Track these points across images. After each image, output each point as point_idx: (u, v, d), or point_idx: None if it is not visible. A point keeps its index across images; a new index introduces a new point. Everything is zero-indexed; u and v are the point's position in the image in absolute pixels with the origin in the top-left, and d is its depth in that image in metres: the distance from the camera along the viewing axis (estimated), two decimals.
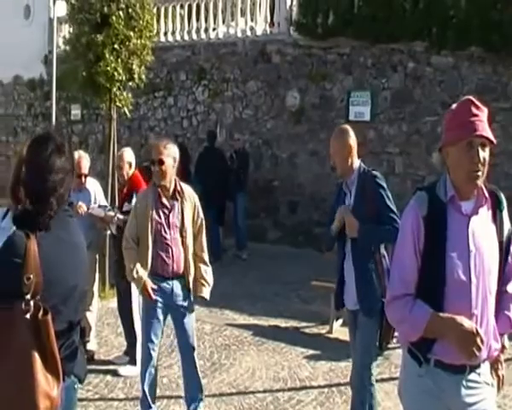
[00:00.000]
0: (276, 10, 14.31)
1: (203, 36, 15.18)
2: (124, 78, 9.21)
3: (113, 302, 7.87)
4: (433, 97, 12.04)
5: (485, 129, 2.89)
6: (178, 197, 5.23)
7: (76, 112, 17.64)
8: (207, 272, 5.36)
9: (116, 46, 9.05)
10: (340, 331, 7.63)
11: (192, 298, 5.30)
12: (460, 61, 11.78)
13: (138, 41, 9.28)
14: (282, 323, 8.34)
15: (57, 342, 2.60)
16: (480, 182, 2.92)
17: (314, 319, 8.36)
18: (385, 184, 4.60)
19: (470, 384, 2.94)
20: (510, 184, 9.97)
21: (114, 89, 9.24)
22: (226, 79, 14.72)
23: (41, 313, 2.55)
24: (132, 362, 6.54)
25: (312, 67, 13.52)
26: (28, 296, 2.55)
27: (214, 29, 15.10)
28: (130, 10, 9.18)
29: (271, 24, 14.47)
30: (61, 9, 14.24)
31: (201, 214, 5.38)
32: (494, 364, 3.11)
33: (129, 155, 6.90)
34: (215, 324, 8.13)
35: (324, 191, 11.87)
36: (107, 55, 8.96)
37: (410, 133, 12.30)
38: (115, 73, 9.04)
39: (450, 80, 11.85)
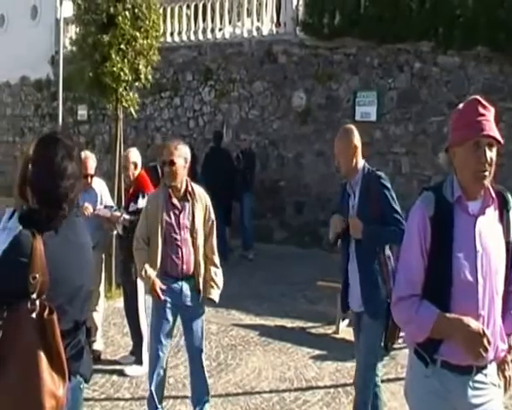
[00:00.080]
0: (283, 10, 14.31)
1: (209, 36, 15.19)
2: (130, 78, 9.22)
3: (119, 302, 7.88)
4: (439, 97, 12.02)
5: (492, 129, 2.88)
6: (189, 198, 5.21)
7: (82, 112, 17.69)
8: (217, 274, 5.33)
9: (122, 46, 9.06)
10: (346, 332, 7.61)
11: (201, 300, 5.30)
12: (466, 61, 11.76)
13: (144, 41, 9.28)
14: (289, 323, 8.34)
15: (63, 341, 2.60)
16: (487, 182, 2.91)
17: (320, 320, 8.35)
18: (389, 185, 4.55)
19: (477, 385, 2.93)
20: None
21: (120, 89, 9.24)
22: (232, 79, 14.73)
23: (47, 312, 2.55)
24: (138, 362, 6.55)
25: (318, 68, 13.51)
26: (34, 296, 2.56)
27: (220, 29, 15.11)
28: (136, 10, 9.18)
29: (277, 24, 14.47)
30: (67, 10, 14.27)
31: (213, 216, 5.34)
32: (501, 365, 3.09)
33: (134, 155, 6.91)
34: (221, 324, 8.13)
35: (330, 191, 11.85)
36: (113, 56, 8.97)
37: (417, 133, 12.29)
38: (121, 74, 9.05)
39: (457, 80, 11.83)
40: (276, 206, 13.86)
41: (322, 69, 13.47)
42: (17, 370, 2.51)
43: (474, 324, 2.78)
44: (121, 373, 6.47)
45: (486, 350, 2.77)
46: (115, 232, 7.43)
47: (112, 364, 6.73)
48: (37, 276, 2.57)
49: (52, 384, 2.54)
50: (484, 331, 2.77)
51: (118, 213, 6.67)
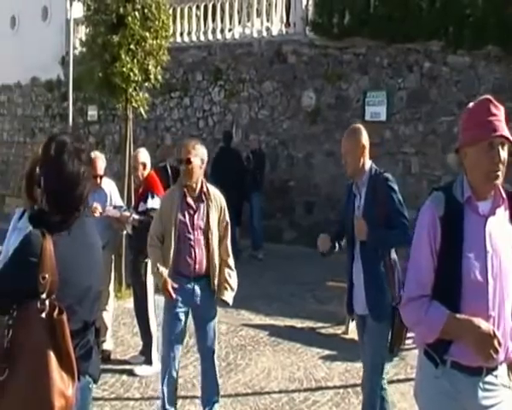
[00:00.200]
0: (292, 10, 14.30)
1: (219, 36, 15.21)
2: (140, 78, 9.24)
3: (129, 302, 7.89)
4: (449, 97, 11.98)
5: (504, 129, 2.87)
6: (204, 199, 5.21)
7: (93, 113, 17.74)
8: (232, 276, 5.33)
9: (132, 47, 9.08)
10: (355, 332, 7.53)
11: (215, 300, 5.30)
12: (476, 61, 11.71)
13: (154, 41, 9.30)
14: (298, 323, 8.33)
15: (72, 341, 2.61)
16: (499, 182, 2.90)
17: (330, 320, 8.34)
18: (396, 187, 4.46)
19: (487, 386, 2.91)
20: None
21: (130, 89, 9.26)
22: (242, 79, 14.73)
23: (56, 312, 2.56)
24: (148, 362, 6.56)
25: (328, 67, 13.50)
26: (44, 296, 2.56)
27: (230, 29, 15.12)
28: (145, 11, 9.20)
29: (287, 24, 14.47)
30: (77, 11, 14.30)
31: (227, 218, 5.34)
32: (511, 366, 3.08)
33: (143, 155, 6.92)
34: (231, 324, 8.13)
35: (340, 192, 11.67)
36: (122, 56, 8.99)
37: (426, 133, 12.25)
38: (131, 74, 9.07)
39: (467, 80, 11.78)
40: (285, 206, 13.85)
41: (331, 69, 13.46)
42: (27, 369, 2.51)
43: (485, 325, 2.77)
44: (131, 373, 6.48)
45: (497, 351, 2.76)
46: (125, 232, 7.45)
47: (122, 364, 6.75)
48: (47, 276, 2.57)
49: (61, 384, 2.54)
50: (494, 333, 2.76)
51: (127, 213, 6.68)
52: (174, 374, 5.30)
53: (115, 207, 6.84)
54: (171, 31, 10.28)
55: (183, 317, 5.24)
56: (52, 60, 18.21)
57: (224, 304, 5.35)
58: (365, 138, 4.54)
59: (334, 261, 5.19)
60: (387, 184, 4.44)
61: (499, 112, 2.90)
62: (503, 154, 2.86)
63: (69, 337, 2.58)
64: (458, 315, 2.81)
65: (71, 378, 2.58)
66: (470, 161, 2.92)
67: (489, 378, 2.91)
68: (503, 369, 2.97)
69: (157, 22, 9.34)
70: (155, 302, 6.63)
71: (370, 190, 4.46)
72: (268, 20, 14.67)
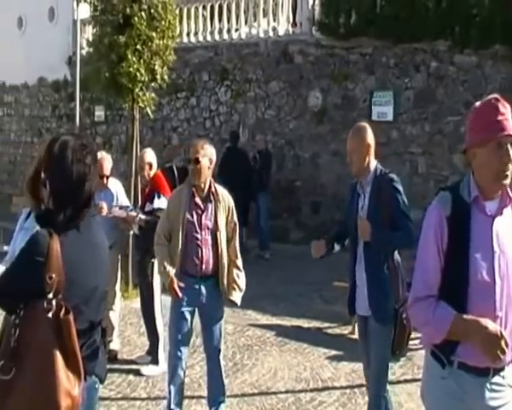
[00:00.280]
0: (299, 10, 14.30)
1: (225, 36, 15.21)
2: (146, 78, 9.25)
3: (136, 302, 7.90)
4: (456, 97, 11.95)
5: None
6: (212, 199, 5.21)
7: (100, 113, 17.77)
8: (240, 276, 5.34)
9: (138, 47, 9.09)
10: None
11: (222, 301, 5.30)
12: (483, 60, 11.68)
13: (161, 42, 9.31)
14: (305, 323, 8.33)
15: (78, 341, 2.61)
16: (507, 182, 2.88)
17: (336, 320, 8.31)
18: (401, 188, 4.40)
19: (494, 387, 2.90)
20: None
21: (137, 89, 9.27)
22: (248, 79, 14.73)
23: (63, 312, 2.56)
24: (155, 362, 6.56)
25: (334, 67, 13.49)
26: (50, 295, 2.57)
27: (237, 30, 15.12)
28: (152, 11, 9.22)
29: (293, 24, 14.47)
30: (84, 11, 14.34)
31: (235, 218, 5.34)
32: None
33: (149, 155, 6.93)
34: (237, 324, 8.13)
35: (347, 192, 11.79)
36: (129, 56, 9.00)
37: (433, 133, 12.23)
38: (138, 74, 9.08)
39: (474, 79, 11.75)
40: (292, 206, 13.84)
41: (338, 69, 13.44)
42: (33, 369, 2.52)
43: (492, 325, 2.76)
44: (137, 373, 6.49)
45: (504, 352, 2.75)
46: (132, 232, 7.46)
47: (128, 363, 6.75)
48: (54, 276, 2.57)
49: (68, 383, 2.55)
50: (501, 333, 2.75)
51: (134, 214, 6.69)
52: (181, 374, 5.30)
53: (121, 207, 6.84)
54: (177, 31, 10.29)
55: (188, 316, 5.24)
56: (59, 60, 18.27)
57: (232, 304, 5.36)
58: (371, 137, 4.48)
59: (341, 262, 5.17)
60: (392, 185, 4.39)
61: (507, 111, 2.89)
62: None
63: (75, 337, 2.58)
64: (465, 316, 2.80)
65: (77, 378, 2.58)
66: (480, 161, 2.91)
67: (496, 379, 2.90)
68: (510, 370, 2.95)
69: (163, 22, 9.35)
70: (162, 302, 6.63)
71: (375, 190, 4.41)
72: (274, 20, 14.67)
